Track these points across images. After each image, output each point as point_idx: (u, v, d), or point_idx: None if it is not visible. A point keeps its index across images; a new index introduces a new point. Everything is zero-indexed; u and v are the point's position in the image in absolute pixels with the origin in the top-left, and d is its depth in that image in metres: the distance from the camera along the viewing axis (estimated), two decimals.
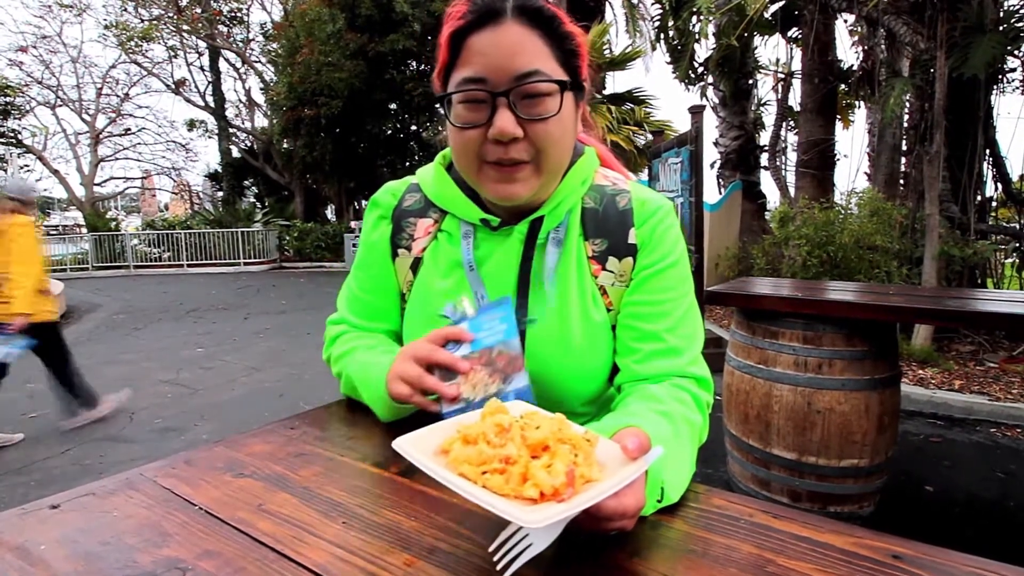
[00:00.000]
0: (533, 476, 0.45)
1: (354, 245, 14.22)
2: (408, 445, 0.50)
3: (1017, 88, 5.19)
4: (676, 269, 0.75)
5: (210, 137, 20.87)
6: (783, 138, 9.50)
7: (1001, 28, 4.39)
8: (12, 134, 16.75)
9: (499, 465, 0.47)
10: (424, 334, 0.69)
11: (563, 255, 0.75)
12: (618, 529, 0.50)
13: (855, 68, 7.16)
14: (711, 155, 9.52)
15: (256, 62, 19.42)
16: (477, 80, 0.65)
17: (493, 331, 0.65)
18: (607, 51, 9.44)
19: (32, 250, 3.33)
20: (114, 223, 18.48)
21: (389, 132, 16.51)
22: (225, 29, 18.78)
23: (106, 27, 18.40)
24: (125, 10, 18.17)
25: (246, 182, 20.37)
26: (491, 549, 0.48)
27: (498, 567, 0.46)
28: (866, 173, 7.53)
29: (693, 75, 8.52)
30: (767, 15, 7.22)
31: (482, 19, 0.65)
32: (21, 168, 18.13)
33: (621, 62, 9.47)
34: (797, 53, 8.11)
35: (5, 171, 18.32)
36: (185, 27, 17.74)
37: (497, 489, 0.45)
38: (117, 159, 22.35)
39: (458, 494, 0.45)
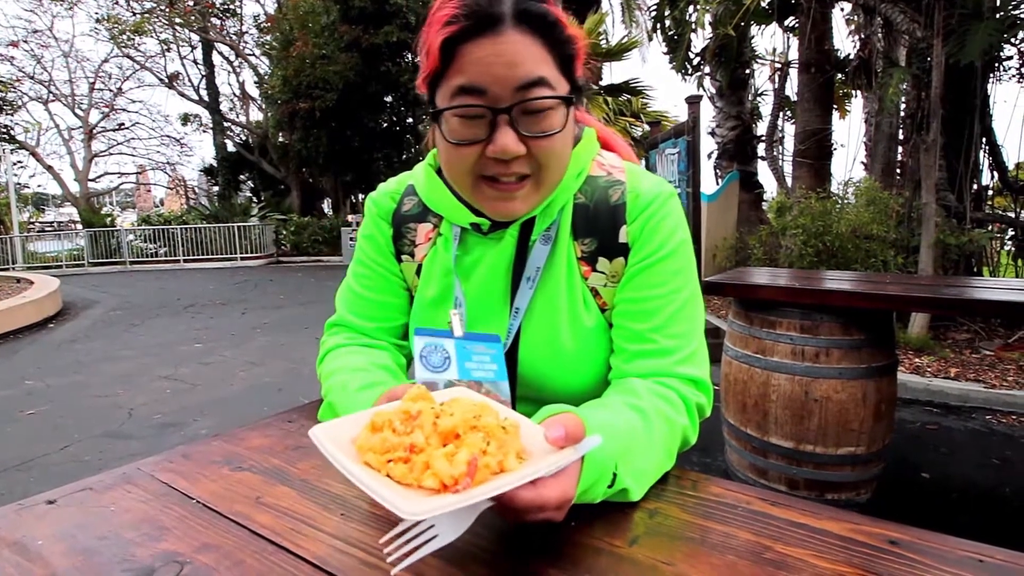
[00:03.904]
0: (433, 465, 0.44)
1: (351, 239, 14.19)
2: (322, 433, 0.48)
3: (1013, 76, 5.18)
4: (669, 262, 0.70)
5: (205, 131, 20.78)
6: (780, 128, 9.47)
7: (998, 15, 4.37)
8: (4, 130, 16.63)
9: (403, 454, 0.45)
10: None
11: (553, 256, 0.72)
12: (543, 520, 0.47)
13: (852, 57, 7.12)
14: (708, 145, 9.52)
15: (250, 55, 19.30)
16: (475, 93, 0.60)
17: (483, 368, 0.61)
18: (603, 41, 9.40)
19: None
20: (109, 219, 18.40)
21: (385, 125, 16.41)
22: (218, 22, 18.62)
23: (98, 21, 18.27)
24: (117, 3, 18.03)
25: (242, 176, 20.28)
26: (382, 541, 0.46)
27: (389, 559, 0.44)
28: (863, 163, 7.52)
29: (690, 65, 8.48)
30: (764, 4, 7.18)
31: (479, 26, 0.59)
32: (15, 164, 18.03)
33: (617, 52, 9.43)
34: (794, 42, 8.07)
35: None
36: (177, 20, 17.58)
37: (400, 478, 0.44)
38: (111, 154, 22.31)
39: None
